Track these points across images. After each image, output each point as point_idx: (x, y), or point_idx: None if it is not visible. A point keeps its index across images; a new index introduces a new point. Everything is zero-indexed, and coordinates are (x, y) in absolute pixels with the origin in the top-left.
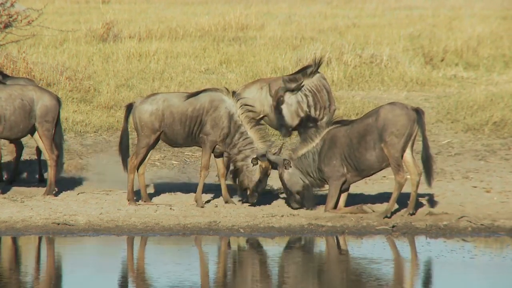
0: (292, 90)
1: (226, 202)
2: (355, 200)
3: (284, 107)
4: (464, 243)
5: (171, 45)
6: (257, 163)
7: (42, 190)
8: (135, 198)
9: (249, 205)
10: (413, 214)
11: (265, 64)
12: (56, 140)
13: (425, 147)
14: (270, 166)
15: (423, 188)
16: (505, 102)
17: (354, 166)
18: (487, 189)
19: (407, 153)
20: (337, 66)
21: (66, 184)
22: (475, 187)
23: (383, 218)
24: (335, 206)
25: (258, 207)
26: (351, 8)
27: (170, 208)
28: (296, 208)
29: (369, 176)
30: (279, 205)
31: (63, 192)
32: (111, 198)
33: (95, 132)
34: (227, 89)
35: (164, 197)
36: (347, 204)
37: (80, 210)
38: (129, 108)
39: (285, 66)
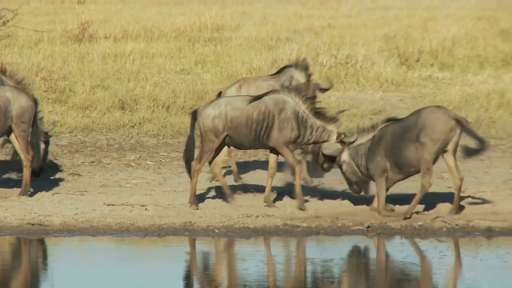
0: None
1: (266, 204)
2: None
3: None
4: (438, 243)
5: (146, 45)
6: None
7: (17, 190)
8: (197, 202)
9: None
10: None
11: (240, 64)
12: (33, 140)
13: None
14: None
15: (399, 189)
16: (480, 102)
17: (395, 161)
18: (462, 189)
19: (450, 159)
20: (313, 66)
21: (41, 184)
22: (450, 187)
23: (403, 219)
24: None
25: (233, 207)
26: (327, 9)
27: (145, 209)
28: (356, 194)
29: (410, 175)
30: (254, 205)
31: (38, 192)
32: (86, 199)
33: (70, 132)
34: (288, 88)
35: (139, 198)
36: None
37: (55, 211)
38: (194, 114)
39: (260, 66)
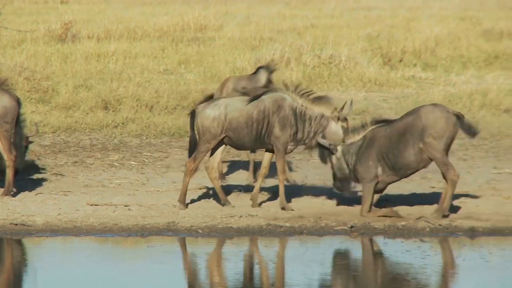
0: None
1: (252, 202)
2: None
3: None
4: (421, 243)
5: (129, 45)
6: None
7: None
8: (186, 202)
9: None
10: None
11: (224, 64)
12: (16, 141)
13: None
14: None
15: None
16: (463, 102)
17: (391, 165)
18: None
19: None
20: (296, 66)
21: (24, 184)
22: (433, 187)
23: (441, 216)
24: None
25: (217, 207)
26: (310, 9)
27: (129, 209)
28: (337, 191)
29: (406, 176)
30: (237, 205)
31: (21, 192)
32: (69, 199)
33: (53, 132)
34: (285, 84)
35: (123, 198)
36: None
37: (38, 211)
38: (193, 114)
39: (244, 66)
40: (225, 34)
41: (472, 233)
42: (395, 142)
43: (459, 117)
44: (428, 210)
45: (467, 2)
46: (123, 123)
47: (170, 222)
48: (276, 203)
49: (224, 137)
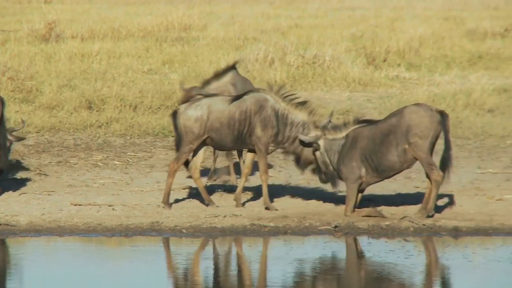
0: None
1: (235, 201)
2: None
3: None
4: (405, 243)
5: (113, 45)
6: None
7: None
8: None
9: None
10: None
11: (208, 64)
12: (0, 141)
13: (447, 149)
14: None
15: (366, 190)
16: (446, 102)
17: (375, 166)
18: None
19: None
20: (280, 66)
21: (8, 184)
22: (417, 187)
23: (426, 217)
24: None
25: (201, 207)
26: (294, 9)
27: (113, 209)
28: (323, 183)
29: (389, 177)
30: (222, 205)
31: (5, 192)
32: (53, 199)
33: (37, 132)
34: (269, 85)
35: (107, 198)
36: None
37: (22, 211)
38: (175, 115)
39: None
40: (209, 34)
41: (456, 233)
42: (378, 144)
43: (443, 114)
44: (412, 210)
45: (450, 2)
46: (107, 123)
47: (154, 222)
48: (260, 203)
49: (206, 138)
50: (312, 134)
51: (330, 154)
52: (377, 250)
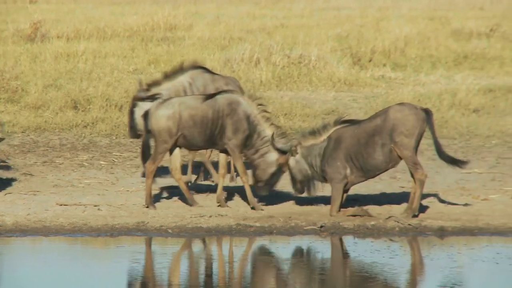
0: (143, 99)
1: (219, 204)
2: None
3: (136, 111)
4: (390, 243)
5: (99, 45)
6: (272, 153)
7: None
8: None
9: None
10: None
11: None
12: None
13: (437, 146)
14: (286, 163)
15: (352, 189)
16: (432, 102)
17: (360, 166)
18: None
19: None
20: (266, 66)
21: None
22: (403, 187)
23: (412, 217)
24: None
25: (186, 207)
26: (279, 9)
27: (98, 209)
28: (298, 194)
29: (374, 177)
30: (207, 205)
31: None
32: (39, 199)
33: (22, 132)
34: (241, 89)
35: (92, 198)
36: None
37: (7, 211)
38: (146, 115)
39: (213, 66)
40: (194, 34)
41: (442, 232)
42: (363, 144)
43: (427, 112)
44: (397, 209)
45: (436, 2)
46: (92, 123)
47: (140, 222)
48: (245, 203)
49: (179, 136)
50: (287, 142)
51: (311, 159)
52: (362, 250)
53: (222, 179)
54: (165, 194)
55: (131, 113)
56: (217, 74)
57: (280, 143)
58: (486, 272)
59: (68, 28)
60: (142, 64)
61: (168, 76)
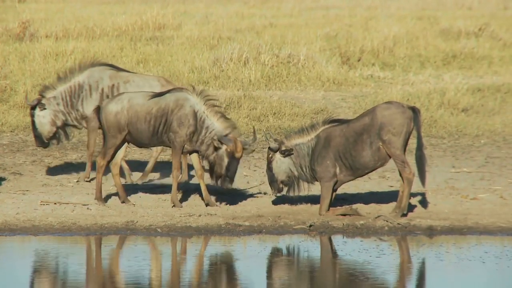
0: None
1: (207, 204)
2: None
3: (35, 120)
4: (380, 242)
5: (88, 44)
6: (221, 147)
7: None
8: (103, 197)
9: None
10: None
11: (182, 63)
12: None
13: (419, 146)
14: (238, 149)
15: (341, 189)
16: (421, 101)
17: (349, 165)
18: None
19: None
20: (255, 65)
21: None
22: (392, 186)
23: (401, 216)
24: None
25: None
26: (268, 8)
27: (87, 208)
28: (276, 194)
29: (363, 175)
30: (196, 204)
31: None
32: (28, 198)
33: (11, 131)
34: (193, 87)
35: (81, 197)
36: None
37: None
38: (98, 110)
39: (202, 65)
40: (183, 33)
41: (431, 231)
42: (352, 143)
43: (415, 110)
44: (386, 209)
45: (425, 1)
46: None
47: (129, 221)
48: (235, 202)
49: (128, 132)
50: (275, 142)
51: (299, 160)
52: (351, 249)
53: (202, 180)
54: (154, 194)
55: (32, 123)
56: (125, 71)
57: (272, 144)
58: (474, 271)
59: (57, 28)
60: (131, 63)
61: (61, 78)
